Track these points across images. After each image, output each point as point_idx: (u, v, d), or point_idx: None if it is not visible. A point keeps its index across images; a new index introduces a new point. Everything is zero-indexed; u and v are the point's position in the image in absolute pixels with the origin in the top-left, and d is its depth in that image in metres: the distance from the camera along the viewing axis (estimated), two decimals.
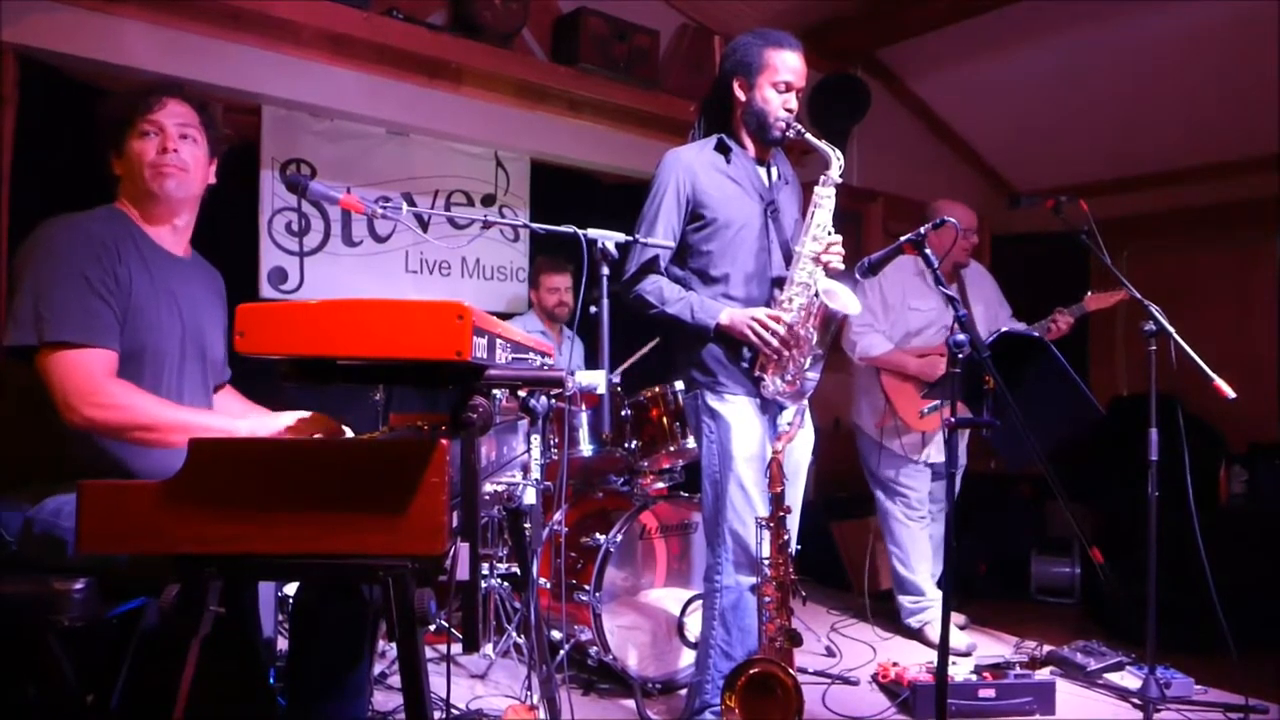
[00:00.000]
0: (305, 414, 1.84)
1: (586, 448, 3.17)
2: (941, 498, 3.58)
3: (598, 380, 2.08)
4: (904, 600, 3.64)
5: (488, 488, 1.65)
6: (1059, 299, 3.63)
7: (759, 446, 2.43)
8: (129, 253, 1.80)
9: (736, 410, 2.43)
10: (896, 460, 3.59)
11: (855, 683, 3.10)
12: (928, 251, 2.20)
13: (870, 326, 3.56)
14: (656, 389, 3.15)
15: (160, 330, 1.83)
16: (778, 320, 2.35)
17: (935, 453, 3.54)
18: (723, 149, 2.50)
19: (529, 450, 2.04)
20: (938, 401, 3.22)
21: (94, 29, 3.01)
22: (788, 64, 2.42)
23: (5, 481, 1.77)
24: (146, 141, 1.83)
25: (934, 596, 3.57)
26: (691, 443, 2.98)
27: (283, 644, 2.58)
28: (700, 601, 2.65)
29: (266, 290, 3.58)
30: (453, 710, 2.62)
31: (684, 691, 2.87)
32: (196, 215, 1.99)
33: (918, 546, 3.57)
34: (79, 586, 1.65)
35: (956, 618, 3.66)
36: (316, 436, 1.70)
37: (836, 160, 2.40)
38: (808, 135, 2.40)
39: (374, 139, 3.84)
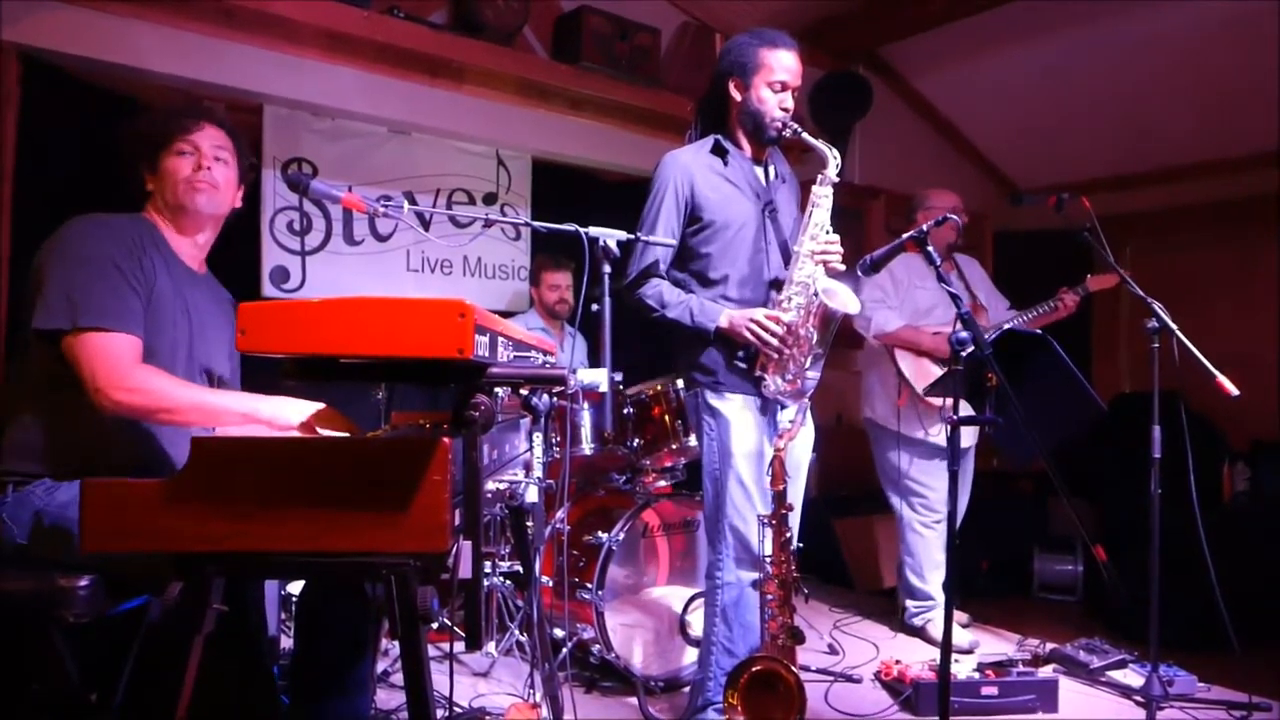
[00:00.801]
0: (320, 405, 1.85)
1: (588, 446, 3.16)
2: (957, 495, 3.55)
3: (599, 378, 2.09)
4: (910, 604, 3.63)
5: (490, 486, 1.65)
6: None
7: (759, 443, 2.43)
8: (153, 253, 1.87)
9: (736, 408, 2.43)
10: (913, 447, 3.52)
11: (858, 680, 3.10)
12: (930, 249, 2.20)
13: (882, 303, 3.51)
14: (658, 387, 3.15)
15: (175, 329, 1.88)
16: (777, 320, 2.35)
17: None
18: (719, 150, 2.49)
19: (531, 448, 2.04)
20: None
21: (95, 28, 3.01)
22: (783, 63, 2.41)
23: (20, 475, 1.78)
24: (183, 160, 1.91)
25: (940, 601, 3.55)
26: (693, 441, 2.98)
27: (286, 642, 2.59)
28: (703, 599, 2.65)
29: (268, 289, 3.58)
30: (455, 708, 2.62)
31: (687, 689, 2.87)
32: (216, 236, 2.05)
33: (932, 557, 3.53)
34: (84, 583, 1.66)
35: (959, 616, 3.65)
36: (333, 433, 1.70)
37: (833, 159, 2.39)
38: (804, 134, 2.39)
39: (375, 138, 3.84)
